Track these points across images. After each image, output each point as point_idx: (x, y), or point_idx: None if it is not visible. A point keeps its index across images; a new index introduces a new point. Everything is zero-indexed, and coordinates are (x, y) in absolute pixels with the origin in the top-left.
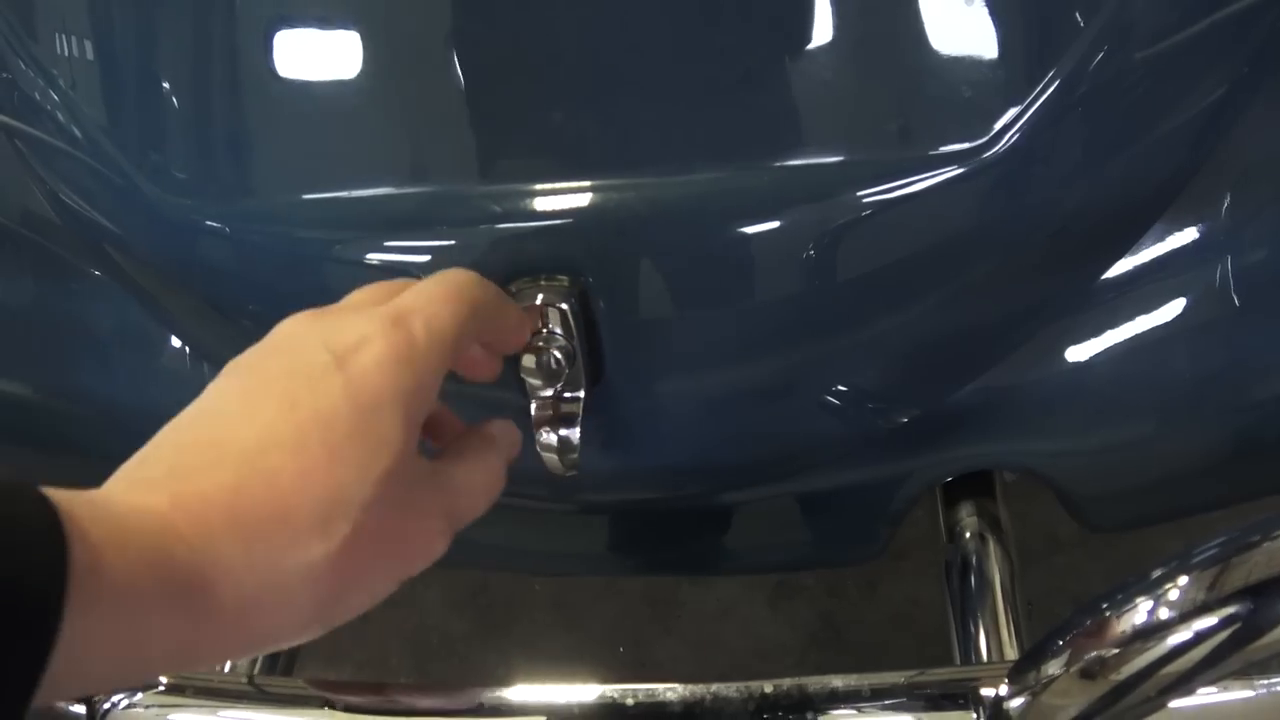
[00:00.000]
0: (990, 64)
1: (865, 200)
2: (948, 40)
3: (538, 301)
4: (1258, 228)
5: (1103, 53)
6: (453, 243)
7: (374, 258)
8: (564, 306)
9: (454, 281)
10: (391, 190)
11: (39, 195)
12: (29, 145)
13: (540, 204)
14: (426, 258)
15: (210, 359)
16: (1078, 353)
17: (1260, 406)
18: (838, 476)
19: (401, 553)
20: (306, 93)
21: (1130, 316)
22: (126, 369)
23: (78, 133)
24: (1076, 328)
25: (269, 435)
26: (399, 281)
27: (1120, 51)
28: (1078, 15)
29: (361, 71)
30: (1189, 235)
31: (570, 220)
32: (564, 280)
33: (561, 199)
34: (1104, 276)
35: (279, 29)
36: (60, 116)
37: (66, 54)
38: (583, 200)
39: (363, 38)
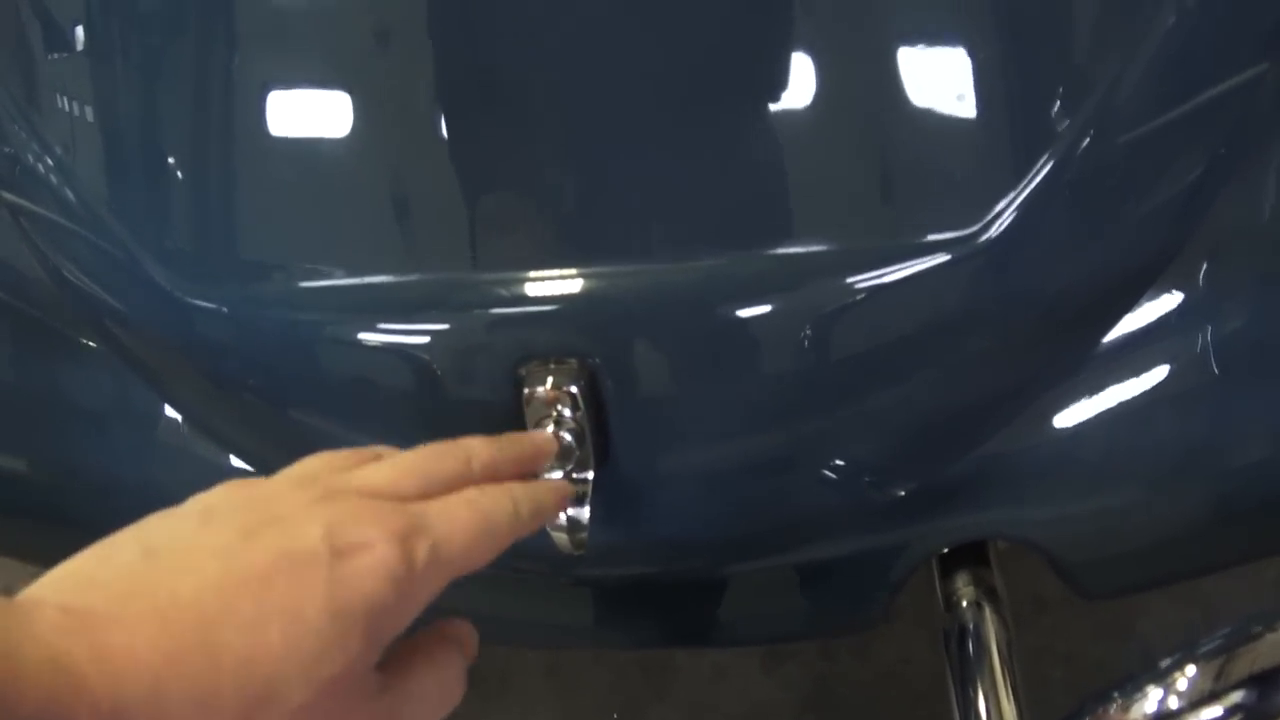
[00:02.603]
0: (979, 152)
1: (859, 286)
2: (938, 129)
3: (547, 385)
4: (1236, 297)
5: (1088, 138)
6: (460, 328)
7: (377, 340)
8: (573, 390)
9: (487, 512)
10: (398, 276)
11: (40, 269)
12: (31, 220)
13: (546, 289)
14: (429, 340)
15: (209, 434)
16: (1067, 422)
17: (1244, 472)
18: (837, 547)
19: None
20: (310, 177)
21: (1117, 385)
22: (125, 443)
23: (80, 209)
24: (1065, 398)
25: (232, 608)
26: (451, 453)
27: (1105, 136)
28: (1064, 103)
29: (365, 157)
30: (1171, 306)
31: (577, 305)
32: (572, 363)
33: (567, 284)
34: (1093, 351)
35: (282, 114)
36: (63, 193)
37: (70, 131)
38: (589, 285)
39: (366, 125)
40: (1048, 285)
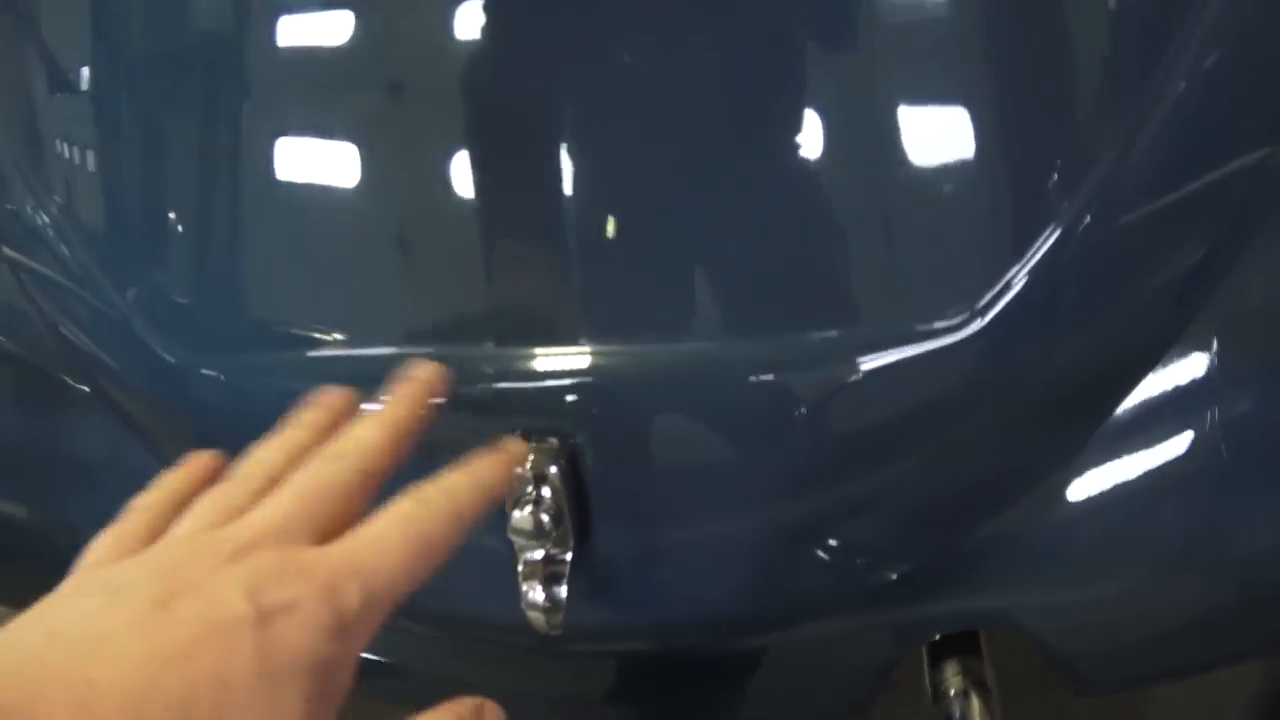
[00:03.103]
0: (976, 234)
1: (846, 370)
2: (935, 215)
3: (527, 464)
4: (1242, 380)
5: (1089, 218)
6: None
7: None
8: (553, 469)
9: (421, 526)
10: (383, 349)
11: (39, 326)
12: (31, 277)
13: (532, 367)
14: None
15: None
16: (1064, 507)
17: (1250, 561)
18: (821, 631)
19: None
20: (302, 247)
21: (1116, 470)
22: (116, 496)
23: (76, 268)
24: (1062, 482)
25: (156, 686)
26: (339, 458)
27: (1106, 217)
28: (1063, 182)
29: (359, 230)
30: (1175, 389)
31: (560, 385)
32: (553, 442)
33: (551, 363)
34: (1087, 439)
35: (281, 183)
36: (62, 252)
37: (71, 193)
38: (573, 365)
39: (363, 199)
40: (1045, 368)
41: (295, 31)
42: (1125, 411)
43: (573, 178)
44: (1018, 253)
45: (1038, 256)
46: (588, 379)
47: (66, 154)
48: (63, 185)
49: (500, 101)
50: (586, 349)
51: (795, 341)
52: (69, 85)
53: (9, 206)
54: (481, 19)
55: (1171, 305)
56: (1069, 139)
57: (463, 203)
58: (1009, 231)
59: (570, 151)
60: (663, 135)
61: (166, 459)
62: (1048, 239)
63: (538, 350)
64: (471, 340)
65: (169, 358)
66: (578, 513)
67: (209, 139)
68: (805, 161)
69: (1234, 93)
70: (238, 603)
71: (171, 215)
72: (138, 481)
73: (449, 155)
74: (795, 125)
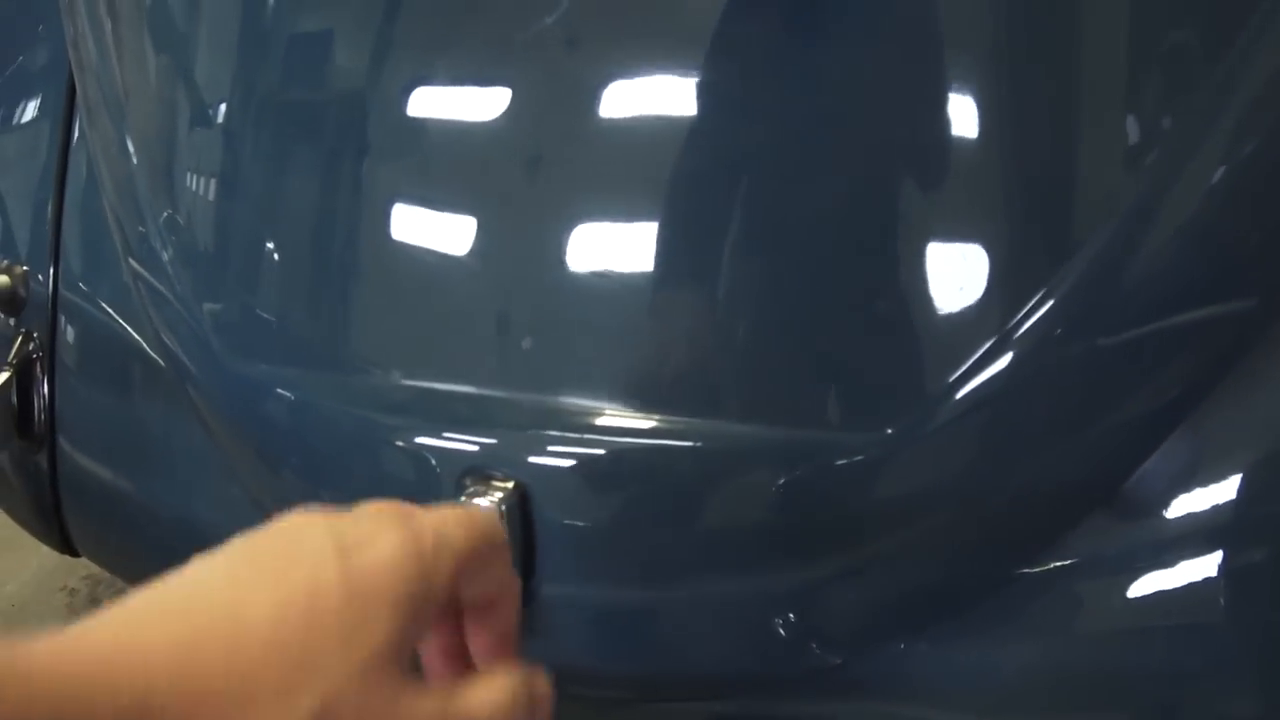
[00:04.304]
0: (910, 346)
1: (775, 469)
2: (878, 319)
3: (483, 500)
4: (1184, 542)
5: (1031, 342)
6: (411, 432)
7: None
8: (503, 508)
9: (470, 512)
10: (358, 375)
11: (149, 333)
12: (148, 291)
13: (499, 411)
14: (384, 437)
15: (253, 502)
16: (992, 637)
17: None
18: (744, 705)
19: None
20: (343, 284)
21: (1040, 609)
22: (196, 488)
23: (180, 289)
24: (995, 612)
25: (245, 603)
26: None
27: (1049, 342)
28: (1011, 300)
29: (407, 285)
30: (1117, 537)
31: (520, 429)
32: (510, 484)
33: (516, 409)
34: (1026, 568)
35: (360, 235)
36: (169, 271)
37: (185, 220)
38: (534, 413)
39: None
40: (981, 484)
41: (408, 97)
42: (1061, 553)
43: (570, 247)
44: (953, 365)
45: (988, 371)
46: (544, 428)
47: (188, 185)
48: (182, 212)
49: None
50: (550, 400)
51: (741, 428)
52: (201, 124)
53: (140, 229)
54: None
55: (1112, 448)
56: (1023, 255)
57: (500, 257)
58: (948, 344)
59: (530, 222)
60: (624, 213)
61: (229, 462)
62: (1000, 349)
63: (507, 394)
64: (446, 377)
65: (241, 369)
66: (526, 553)
67: (313, 186)
68: (753, 262)
69: (1234, 230)
70: (322, 542)
71: (264, 248)
72: (213, 476)
73: (504, 216)
74: (745, 223)
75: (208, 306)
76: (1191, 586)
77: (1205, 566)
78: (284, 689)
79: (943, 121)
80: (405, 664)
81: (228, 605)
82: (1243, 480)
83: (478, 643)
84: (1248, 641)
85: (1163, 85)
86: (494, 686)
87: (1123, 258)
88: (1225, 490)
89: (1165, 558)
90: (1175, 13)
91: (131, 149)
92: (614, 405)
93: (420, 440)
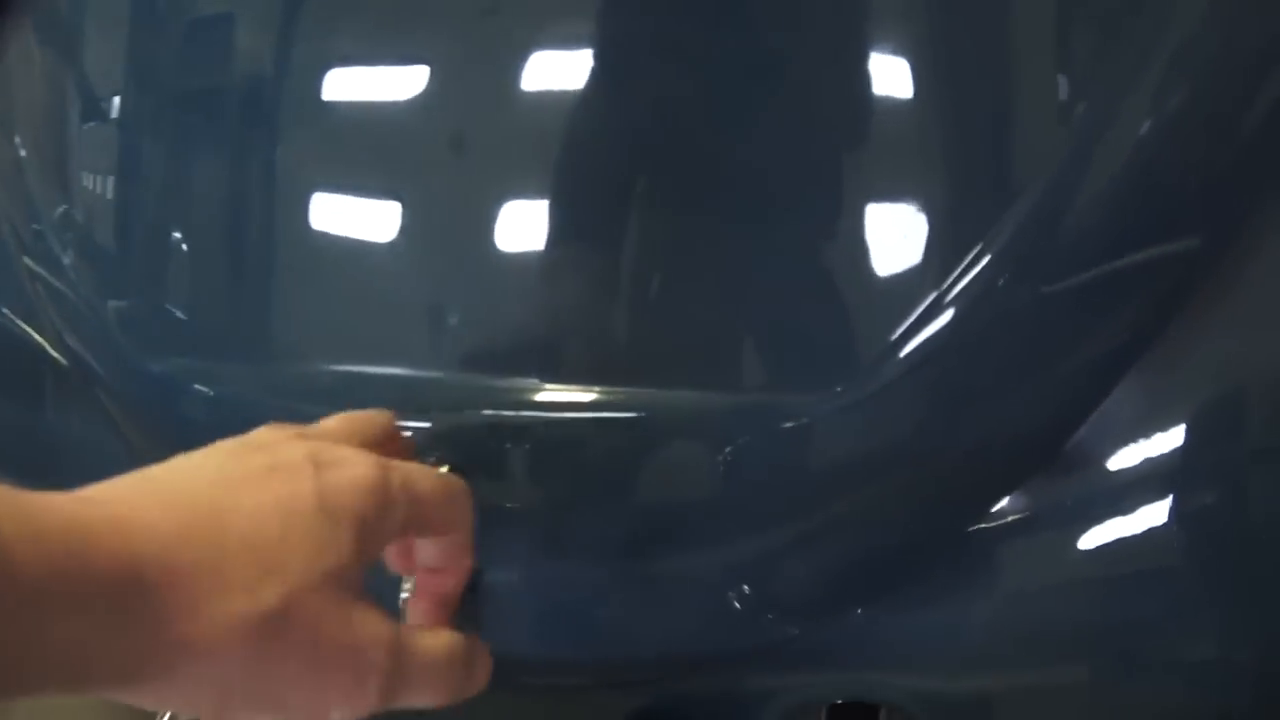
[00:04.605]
0: (858, 302)
1: (733, 432)
2: (819, 277)
3: None
4: (1136, 487)
5: (991, 288)
6: None
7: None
8: None
9: (446, 475)
10: (298, 362)
11: (51, 334)
12: (46, 290)
13: (441, 393)
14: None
15: None
16: (949, 595)
17: (1132, 666)
18: (706, 686)
19: (324, 678)
20: (281, 273)
21: (1003, 563)
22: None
23: (81, 285)
24: (949, 571)
25: (230, 501)
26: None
27: (1000, 289)
28: (953, 249)
29: (330, 264)
30: (1070, 488)
31: (458, 412)
32: (442, 468)
33: (456, 391)
34: (980, 524)
35: (267, 216)
36: (68, 266)
37: (81, 213)
38: (471, 395)
39: (338, 235)
40: (931, 442)
41: (304, 77)
42: (1015, 506)
43: (500, 224)
44: (899, 320)
45: (931, 326)
46: (486, 411)
47: (84, 179)
48: (77, 206)
49: (460, 153)
50: (491, 381)
51: (680, 396)
52: (92, 115)
53: (35, 226)
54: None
55: (1065, 396)
56: (969, 198)
57: (423, 236)
58: (900, 297)
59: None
60: (546, 184)
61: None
62: (942, 304)
63: (444, 375)
64: (380, 361)
65: (155, 368)
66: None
67: (219, 170)
68: (699, 218)
69: (1170, 175)
70: (300, 456)
71: (171, 238)
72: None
73: (426, 196)
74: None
75: (113, 303)
76: (1146, 533)
77: (1158, 512)
78: (253, 584)
79: (872, 79)
80: (359, 585)
81: (214, 502)
82: (1192, 424)
83: (419, 605)
84: (1203, 585)
85: (1090, 37)
86: (441, 637)
87: (1060, 207)
88: (1175, 436)
89: (1119, 506)
90: None
91: (19, 140)
92: (546, 381)
93: None
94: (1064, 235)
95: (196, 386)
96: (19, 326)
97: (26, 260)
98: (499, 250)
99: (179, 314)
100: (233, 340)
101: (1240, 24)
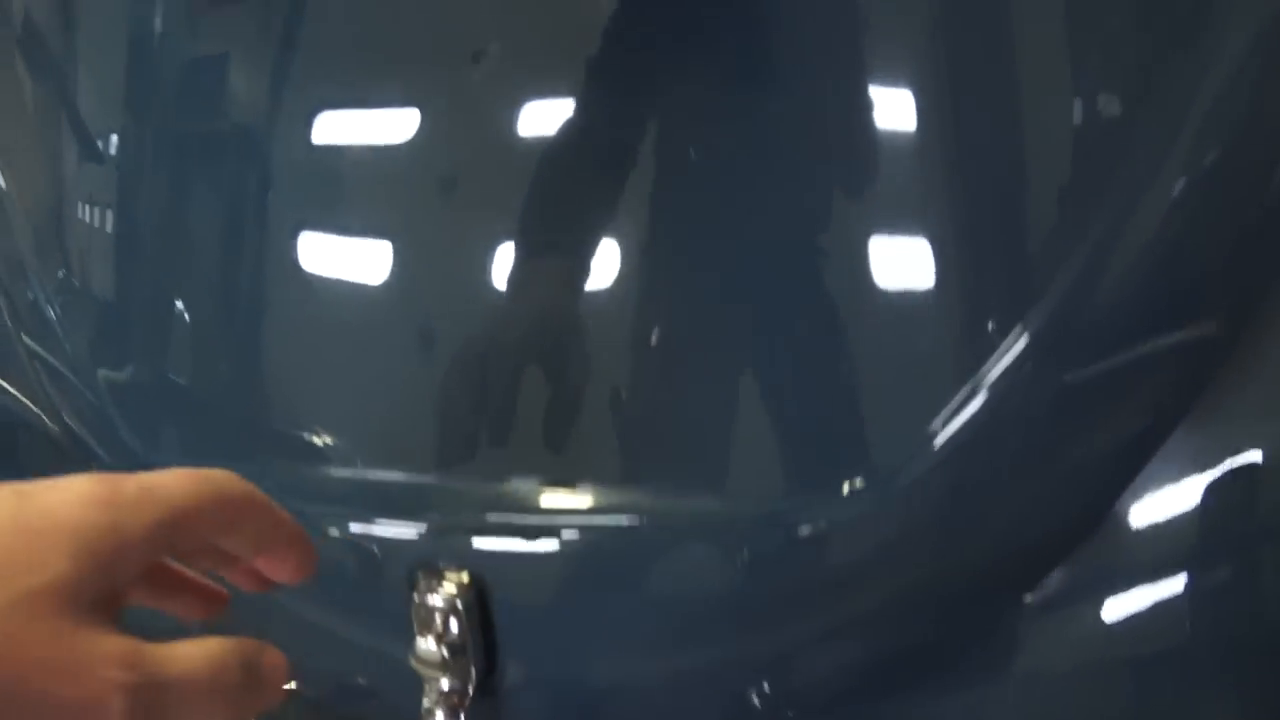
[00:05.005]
0: (888, 398)
1: (740, 536)
2: (844, 382)
3: (436, 594)
4: (1164, 570)
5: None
6: (362, 525)
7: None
8: (458, 604)
9: (200, 471)
10: (311, 466)
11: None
12: (44, 369)
13: (446, 500)
14: (334, 531)
15: None
16: (976, 683)
17: None
18: None
19: (46, 708)
20: (274, 371)
21: (1034, 650)
22: None
23: (77, 364)
24: (977, 658)
25: None
26: None
27: (1028, 381)
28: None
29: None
30: (1098, 570)
31: (470, 518)
32: (462, 575)
33: (463, 497)
34: (1008, 613)
35: (255, 313)
36: (64, 345)
37: (74, 289)
38: (482, 500)
39: (332, 330)
40: (955, 538)
41: (323, 149)
42: (1044, 593)
43: (484, 330)
44: (933, 414)
45: (958, 418)
46: (495, 515)
47: (75, 252)
48: (69, 281)
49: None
50: (496, 487)
51: (702, 501)
52: (90, 182)
53: (30, 296)
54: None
55: (1107, 472)
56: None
57: (406, 338)
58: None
59: (486, 313)
60: (563, 290)
61: None
62: (972, 395)
63: (451, 483)
64: (393, 467)
65: (147, 457)
66: (485, 644)
67: (224, 252)
68: (721, 319)
69: (1197, 252)
70: (5, 488)
71: (176, 321)
72: None
73: (381, 305)
74: (706, 294)
75: (111, 385)
76: (1172, 611)
77: (1185, 593)
78: None
79: (899, 165)
80: (90, 605)
81: None
82: (1215, 504)
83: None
84: (1230, 660)
85: (1116, 125)
86: (203, 645)
87: (1085, 293)
88: (1198, 517)
89: (1147, 587)
90: (1112, 66)
91: (17, 211)
92: (564, 486)
93: (363, 533)
94: (1091, 320)
95: None
96: (20, 400)
97: (24, 336)
98: (512, 356)
99: (180, 401)
100: (235, 430)
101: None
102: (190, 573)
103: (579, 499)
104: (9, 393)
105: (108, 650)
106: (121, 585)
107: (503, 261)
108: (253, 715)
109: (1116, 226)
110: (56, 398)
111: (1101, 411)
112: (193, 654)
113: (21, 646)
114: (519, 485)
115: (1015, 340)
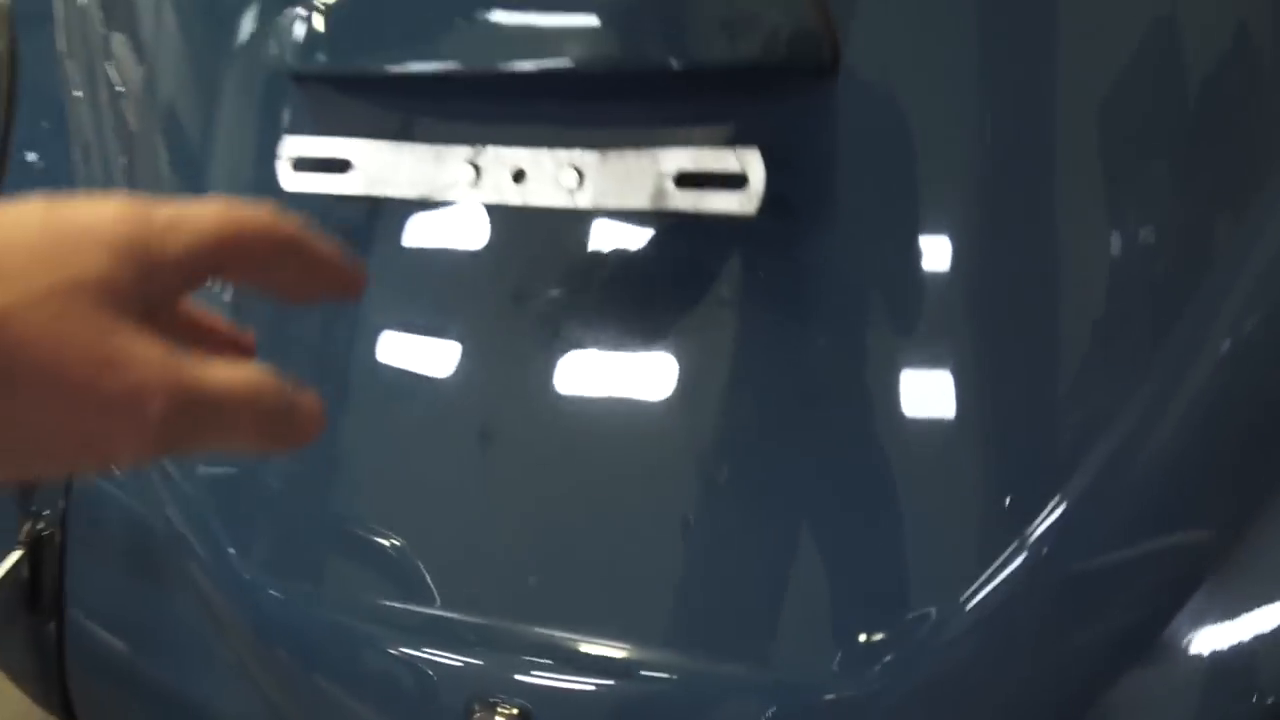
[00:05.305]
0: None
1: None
2: (880, 553)
3: None
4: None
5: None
6: (423, 657)
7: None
8: None
9: (234, 210)
10: (377, 599)
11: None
12: (158, 474)
13: (505, 638)
14: (397, 663)
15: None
16: None
17: None
18: None
19: (81, 404)
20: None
21: None
22: (200, 670)
23: (194, 486)
24: None
25: None
26: None
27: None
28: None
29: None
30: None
31: (526, 657)
32: (515, 710)
33: (522, 637)
34: None
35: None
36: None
37: None
38: (538, 642)
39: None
40: (977, 694)
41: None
42: None
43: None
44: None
45: (979, 596)
46: (549, 656)
47: None
48: None
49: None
50: (555, 632)
51: (740, 661)
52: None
53: None
54: None
55: (1139, 624)
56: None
57: (467, 486)
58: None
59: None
60: (624, 455)
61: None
62: (1009, 562)
63: (511, 624)
64: (453, 605)
65: (245, 574)
66: None
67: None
68: (766, 496)
69: (1240, 415)
70: (32, 202)
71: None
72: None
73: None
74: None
75: (217, 500)
76: None
77: None
78: None
79: (940, 344)
80: (129, 306)
81: None
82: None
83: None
84: None
85: (1153, 312)
86: (244, 368)
87: (1119, 473)
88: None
89: None
90: (1152, 246)
91: None
92: (615, 638)
93: (425, 659)
94: (1120, 500)
95: (276, 595)
96: (131, 503)
97: None
98: (576, 518)
99: (278, 528)
100: (320, 559)
101: None
102: (221, 322)
103: (628, 653)
104: (127, 498)
105: (149, 352)
106: (156, 300)
107: (567, 431)
108: (280, 447)
109: (1153, 415)
110: (168, 506)
111: (1115, 590)
112: (233, 373)
113: (60, 336)
114: (574, 630)
115: (1050, 514)
